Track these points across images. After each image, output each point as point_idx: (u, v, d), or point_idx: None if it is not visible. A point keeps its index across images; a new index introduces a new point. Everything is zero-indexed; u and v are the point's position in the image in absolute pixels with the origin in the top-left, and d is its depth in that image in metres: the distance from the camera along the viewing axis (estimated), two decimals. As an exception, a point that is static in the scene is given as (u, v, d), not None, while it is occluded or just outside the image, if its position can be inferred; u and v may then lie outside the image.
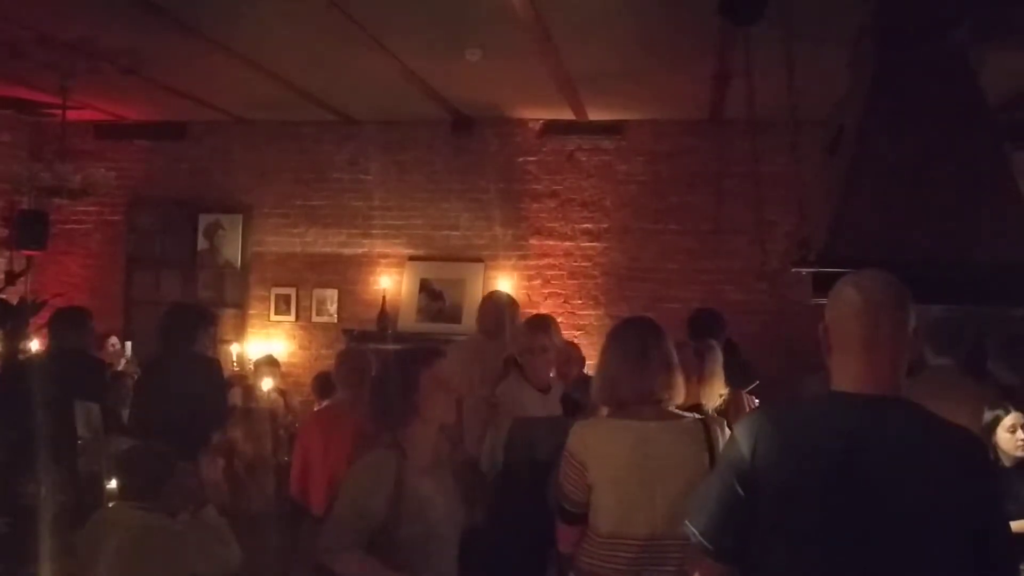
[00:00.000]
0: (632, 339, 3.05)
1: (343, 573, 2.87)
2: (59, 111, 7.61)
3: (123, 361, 7.69)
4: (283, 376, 7.72)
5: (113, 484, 4.03)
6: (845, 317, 2.00)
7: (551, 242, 8.43)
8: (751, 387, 5.12)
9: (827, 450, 1.91)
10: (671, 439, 2.89)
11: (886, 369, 1.96)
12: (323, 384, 6.22)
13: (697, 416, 3.07)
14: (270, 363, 7.08)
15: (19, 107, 8.37)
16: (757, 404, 4.59)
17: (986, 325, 4.81)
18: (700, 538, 2.03)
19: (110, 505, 3.75)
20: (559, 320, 5.78)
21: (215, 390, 4.90)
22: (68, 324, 5.29)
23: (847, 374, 1.99)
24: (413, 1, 5.29)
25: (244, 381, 7.04)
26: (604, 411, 3.18)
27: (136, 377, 5.86)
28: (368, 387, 3.30)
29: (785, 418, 2.07)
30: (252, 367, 7.54)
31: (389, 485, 2.88)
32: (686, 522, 2.10)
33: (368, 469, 2.96)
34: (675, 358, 3.04)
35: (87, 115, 8.51)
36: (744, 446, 1.98)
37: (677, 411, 3.02)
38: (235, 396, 5.44)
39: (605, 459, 2.90)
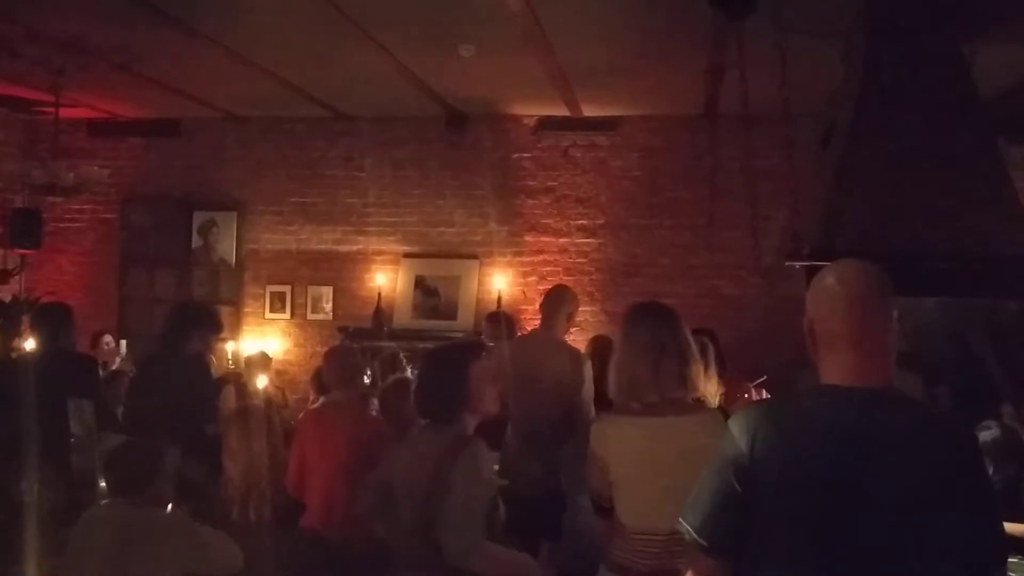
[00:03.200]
0: (647, 333, 2.99)
1: (486, 567, 3.00)
2: (52, 109, 7.58)
3: (118, 359, 7.68)
4: (278, 373, 7.71)
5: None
6: (831, 312, 1.99)
7: (546, 238, 8.43)
8: (759, 381, 5.14)
9: (824, 444, 1.91)
10: (689, 432, 2.86)
11: (875, 361, 1.96)
12: (322, 381, 6.20)
13: (714, 407, 3.07)
14: (262, 360, 7.07)
15: (12, 105, 8.34)
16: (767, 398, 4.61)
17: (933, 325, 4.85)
18: (695, 535, 2.03)
19: (102, 503, 3.74)
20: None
21: (202, 386, 4.90)
22: (52, 321, 5.28)
23: (836, 368, 1.98)
24: (406, -4, 5.29)
25: (238, 379, 7.02)
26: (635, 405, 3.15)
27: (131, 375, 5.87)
28: (423, 382, 3.33)
29: (781, 412, 2.06)
30: (244, 364, 7.52)
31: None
32: (680, 520, 2.08)
33: (477, 459, 3.07)
34: (692, 347, 3.00)
35: (80, 112, 8.49)
36: (742, 441, 1.97)
37: (694, 403, 2.99)
38: (229, 394, 5.43)
39: (625, 456, 2.90)
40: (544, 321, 5.36)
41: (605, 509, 2.99)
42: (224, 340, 8.51)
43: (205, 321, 5.24)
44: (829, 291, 2.01)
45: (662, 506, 2.79)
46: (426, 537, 3.02)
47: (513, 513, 3.26)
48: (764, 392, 4.88)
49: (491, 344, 6.92)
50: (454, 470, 3.02)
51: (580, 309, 7.97)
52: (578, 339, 6.73)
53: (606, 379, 3.11)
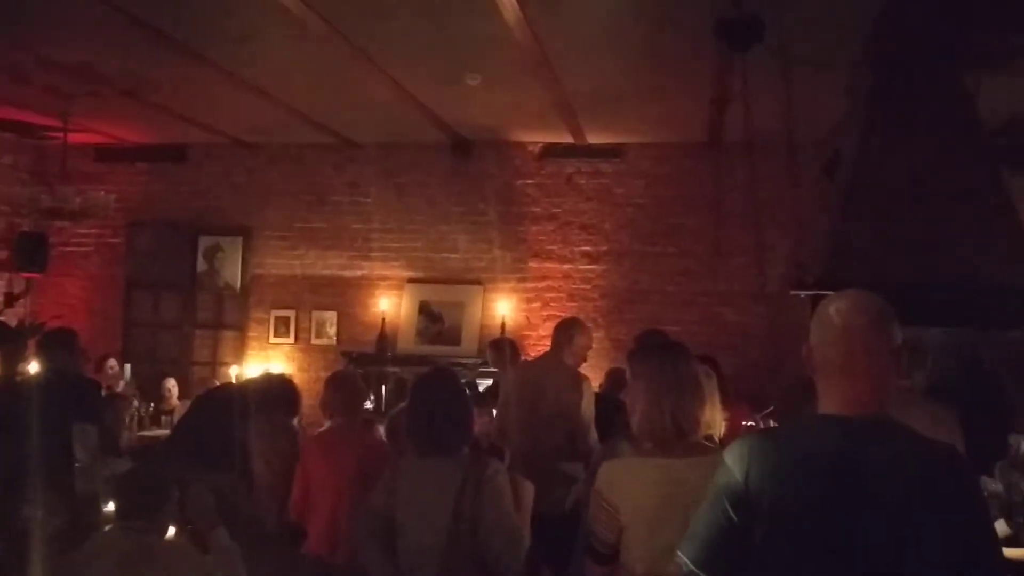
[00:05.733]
0: (654, 372, 2.91)
1: None
2: (60, 134, 7.65)
3: (122, 383, 7.68)
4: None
5: (110, 506, 4.01)
6: (824, 340, 2.01)
7: (550, 265, 8.45)
8: (766, 411, 5.13)
9: (818, 473, 1.91)
10: (701, 475, 2.70)
11: (867, 390, 1.97)
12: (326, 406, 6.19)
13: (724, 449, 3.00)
14: None
15: (21, 130, 8.41)
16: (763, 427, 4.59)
17: (947, 348, 4.82)
18: (692, 567, 2.02)
19: (106, 528, 3.73)
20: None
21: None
22: (58, 345, 5.28)
23: (831, 396, 2.00)
24: (413, 26, 5.33)
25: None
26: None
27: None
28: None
29: (776, 442, 2.06)
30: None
31: None
32: (677, 552, 2.07)
33: (501, 477, 3.23)
34: (702, 384, 2.93)
35: (88, 138, 8.54)
36: (737, 471, 1.97)
37: (705, 443, 2.92)
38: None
39: (636, 500, 2.79)
40: (552, 347, 5.42)
41: (604, 556, 2.87)
42: (227, 365, 8.57)
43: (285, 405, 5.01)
44: (827, 320, 2.03)
45: (673, 551, 2.74)
46: (456, 562, 3.06)
47: None
48: (772, 423, 4.86)
49: (495, 370, 6.98)
50: (484, 491, 3.13)
51: (583, 336, 8.06)
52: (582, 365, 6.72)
53: (623, 416, 3.05)
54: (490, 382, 7.15)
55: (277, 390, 4.78)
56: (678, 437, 2.83)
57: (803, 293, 4.68)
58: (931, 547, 1.86)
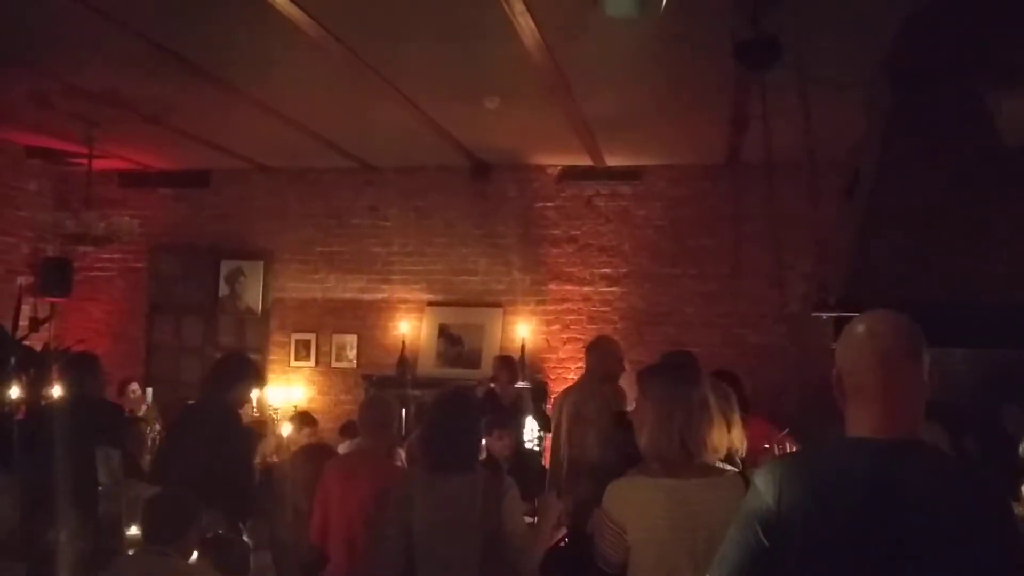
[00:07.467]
0: (662, 393, 2.90)
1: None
2: (85, 160, 7.74)
3: (144, 407, 7.72)
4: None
5: (133, 530, 4.03)
6: (858, 364, 1.97)
7: (570, 287, 8.44)
8: (781, 434, 5.09)
9: (850, 497, 1.89)
10: (712, 497, 2.75)
11: (903, 414, 1.94)
12: (352, 427, 6.25)
13: (736, 470, 2.97)
14: (307, 421, 7.14)
15: (46, 156, 8.52)
16: (792, 449, 4.55)
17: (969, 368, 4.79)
18: None
19: (130, 552, 3.75)
20: (578, 366, 5.82)
21: (237, 439, 4.79)
22: (80, 370, 5.32)
23: (864, 420, 1.96)
24: (432, 50, 5.38)
25: (275, 429, 7.06)
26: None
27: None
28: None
29: (807, 465, 2.04)
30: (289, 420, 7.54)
31: None
32: None
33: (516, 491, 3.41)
34: (711, 405, 2.90)
35: (112, 164, 8.64)
36: (768, 495, 1.95)
37: (717, 465, 2.90)
38: (268, 445, 5.46)
39: (644, 521, 2.78)
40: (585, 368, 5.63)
41: None
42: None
43: (248, 373, 5.11)
44: (858, 343, 1.99)
45: (683, 570, 2.72)
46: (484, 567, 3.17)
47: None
48: (788, 445, 4.82)
49: (503, 387, 7.01)
50: (503, 505, 3.28)
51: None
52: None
53: None
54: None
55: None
56: (686, 458, 2.80)
57: (825, 315, 4.66)
58: (966, 571, 1.83)
